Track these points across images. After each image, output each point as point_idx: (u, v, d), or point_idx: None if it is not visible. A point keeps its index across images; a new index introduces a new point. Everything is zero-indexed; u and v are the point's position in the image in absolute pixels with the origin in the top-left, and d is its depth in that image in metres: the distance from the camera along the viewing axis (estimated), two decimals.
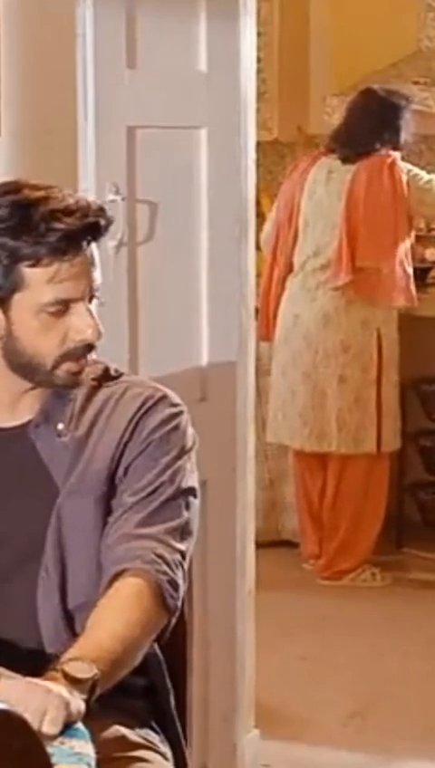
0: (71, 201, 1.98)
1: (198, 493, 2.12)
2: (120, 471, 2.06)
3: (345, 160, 4.94)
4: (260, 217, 4.58)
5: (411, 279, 4.96)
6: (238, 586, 3.37)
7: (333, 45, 5.95)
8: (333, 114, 5.48)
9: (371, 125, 4.93)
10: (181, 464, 2.08)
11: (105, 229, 2.01)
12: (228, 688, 3.38)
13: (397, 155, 4.93)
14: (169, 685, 2.17)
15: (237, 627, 3.38)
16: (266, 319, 5.01)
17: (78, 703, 1.74)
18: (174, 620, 2.05)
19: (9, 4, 2.69)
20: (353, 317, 4.92)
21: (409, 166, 4.96)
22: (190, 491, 2.10)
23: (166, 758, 2.08)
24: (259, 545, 3.53)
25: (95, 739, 1.71)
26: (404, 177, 4.89)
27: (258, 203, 3.67)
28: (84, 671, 1.81)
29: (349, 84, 5.58)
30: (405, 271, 4.93)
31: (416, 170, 4.97)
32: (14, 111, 2.73)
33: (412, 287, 4.96)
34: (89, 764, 1.64)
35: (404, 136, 4.96)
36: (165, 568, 2.00)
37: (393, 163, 4.89)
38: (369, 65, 5.68)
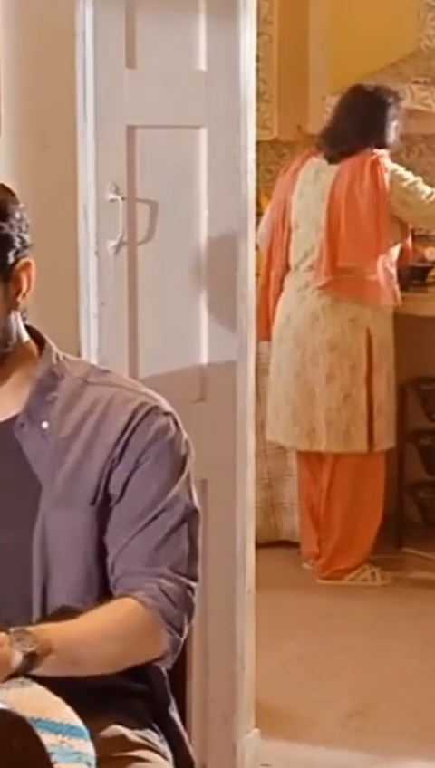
0: None
1: (200, 513, 2.11)
2: (114, 488, 2.04)
3: (331, 160, 4.94)
4: (260, 217, 4.59)
5: (394, 278, 4.95)
6: (238, 585, 3.37)
7: (333, 45, 5.95)
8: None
9: (356, 122, 4.90)
10: (180, 486, 2.06)
11: None
12: (228, 688, 3.38)
13: (383, 153, 4.89)
14: (171, 694, 2.18)
15: (237, 626, 3.38)
16: (266, 319, 5.01)
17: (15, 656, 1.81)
18: (175, 653, 2.05)
19: (9, 4, 2.69)
20: (341, 316, 4.91)
21: (394, 166, 4.91)
22: (193, 514, 2.08)
23: (165, 758, 2.09)
24: (258, 545, 3.53)
25: (94, 738, 1.72)
26: (387, 177, 4.84)
27: (258, 203, 3.67)
28: (24, 643, 1.83)
29: (348, 84, 5.58)
30: (387, 270, 4.92)
31: (401, 171, 4.92)
32: (14, 111, 2.73)
33: (396, 286, 4.96)
34: (89, 763, 1.64)
35: (390, 133, 4.90)
36: (167, 603, 2.00)
37: (376, 162, 4.85)
38: (369, 65, 5.68)
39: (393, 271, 4.96)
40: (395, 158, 5.03)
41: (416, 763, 3.68)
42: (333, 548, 5.02)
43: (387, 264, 4.92)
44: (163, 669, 2.14)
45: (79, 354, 2.79)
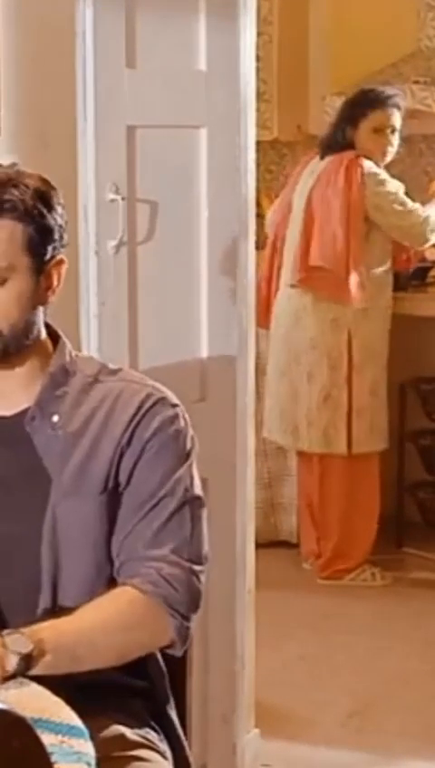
0: None
1: (204, 500, 2.12)
2: (122, 477, 2.06)
3: (321, 157, 4.93)
4: (260, 217, 4.59)
5: (361, 280, 4.80)
6: (238, 585, 3.37)
7: (333, 45, 5.95)
8: (332, 114, 5.47)
9: (337, 122, 4.91)
10: (182, 472, 2.08)
11: None
12: (228, 688, 3.38)
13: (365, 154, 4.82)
14: (170, 692, 2.18)
15: (237, 626, 3.39)
16: (266, 306, 5.00)
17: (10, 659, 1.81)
18: (183, 640, 2.05)
19: (9, 4, 2.69)
20: (322, 316, 4.89)
21: (375, 169, 4.82)
22: (195, 500, 2.09)
23: (165, 757, 2.09)
24: (258, 545, 3.53)
25: (94, 738, 1.72)
26: (362, 179, 4.77)
27: (258, 203, 3.67)
28: (19, 645, 1.83)
29: (348, 84, 5.58)
30: (360, 273, 4.80)
31: (383, 176, 4.83)
32: (14, 111, 2.73)
33: (365, 290, 4.82)
34: (89, 763, 1.64)
35: (361, 134, 4.84)
36: (168, 588, 2.01)
37: (352, 163, 4.80)
38: (369, 65, 5.68)
39: (362, 274, 4.84)
40: (395, 158, 4.99)
41: (416, 763, 3.68)
42: (332, 548, 5.02)
43: (361, 266, 4.81)
44: (163, 667, 2.15)
45: None
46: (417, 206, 4.88)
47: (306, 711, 3.96)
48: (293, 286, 4.92)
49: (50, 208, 2.02)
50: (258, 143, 3.37)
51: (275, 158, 6.20)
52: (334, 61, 5.93)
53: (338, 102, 5.24)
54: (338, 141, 4.87)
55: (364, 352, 4.91)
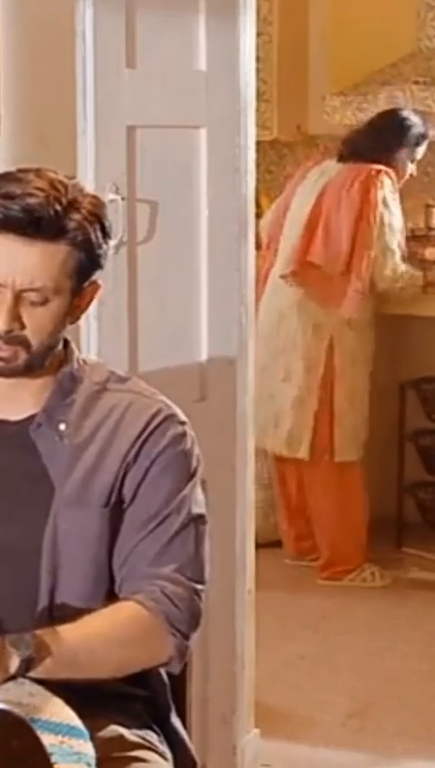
0: (21, 191, 1.94)
1: (206, 519, 2.12)
2: (126, 492, 2.06)
3: (339, 159, 4.92)
4: (260, 217, 4.59)
5: (361, 290, 4.80)
6: (238, 585, 3.37)
7: (333, 45, 5.95)
8: (332, 114, 5.48)
9: (374, 134, 4.87)
10: (188, 491, 2.08)
11: (33, 230, 1.94)
12: (228, 688, 3.38)
13: (388, 171, 4.80)
14: (171, 700, 2.18)
15: (237, 626, 3.38)
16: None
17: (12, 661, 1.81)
18: (182, 658, 2.05)
19: (9, 4, 2.69)
20: (305, 319, 4.88)
21: (391, 195, 4.80)
22: (198, 518, 2.10)
23: (165, 758, 2.09)
24: (258, 545, 3.53)
25: (94, 739, 1.72)
26: (380, 195, 4.76)
27: (258, 203, 3.67)
28: (21, 647, 1.83)
29: (348, 84, 5.59)
30: (360, 283, 4.79)
31: (393, 206, 4.81)
32: (14, 111, 2.73)
33: (359, 299, 4.81)
34: (89, 764, 1.64)
35: (402, 156, 4.85)
36: (170, 606, 2.01)
37: (373, 177, 4.77)
38: (368, 65, 5.68)
39: (364, 287, 4.81)
40: None
41: (416, 763, 3.68)
42: (328, 549, 5.01)
43: (364, 276, 4.78)
44: (164, 676, 2.15)
45: None
46: (397, 258, 4.84)
47: (306, 711, 3.96)
48: (283, 277, 4.90)
49: (105, 235, 2.03)
50: (258, 143, 3.37)
51: (275, 159, 6.20)
52: (334, 61, 5.93)
53: (336, 101, 5.23)
54: (369, 151, 4.83)
55: (347, 361, 4.88)
